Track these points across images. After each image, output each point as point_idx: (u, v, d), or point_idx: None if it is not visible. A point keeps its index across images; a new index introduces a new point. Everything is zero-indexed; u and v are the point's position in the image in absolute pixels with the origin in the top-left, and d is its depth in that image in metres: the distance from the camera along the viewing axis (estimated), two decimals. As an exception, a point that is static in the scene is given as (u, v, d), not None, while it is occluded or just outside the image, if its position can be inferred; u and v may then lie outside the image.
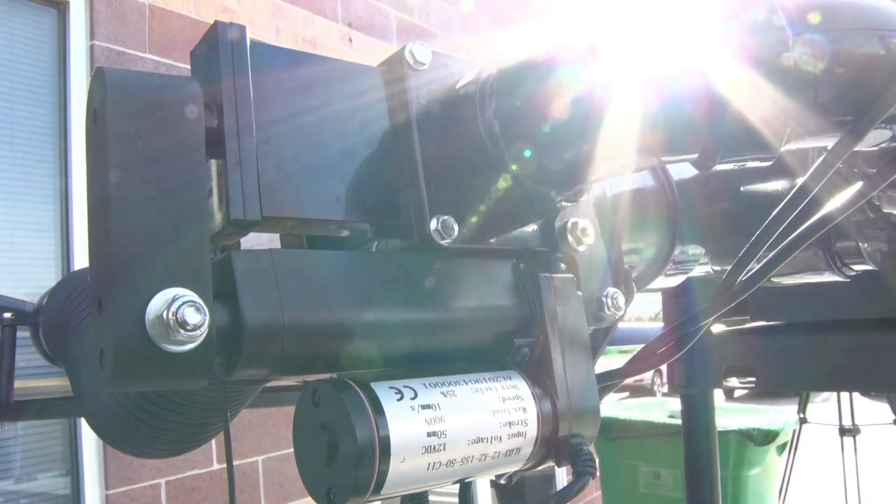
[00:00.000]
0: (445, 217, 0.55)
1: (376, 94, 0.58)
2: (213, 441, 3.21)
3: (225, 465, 3.19)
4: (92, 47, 3.04)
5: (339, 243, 0.61)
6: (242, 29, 0.51)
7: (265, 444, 3.41)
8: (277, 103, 0.53)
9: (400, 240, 0.58)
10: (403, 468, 0.49)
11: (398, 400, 0.50)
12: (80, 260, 2.97)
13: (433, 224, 0.55)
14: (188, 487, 3.15)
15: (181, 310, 0.43)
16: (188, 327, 0.43)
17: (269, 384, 0.74)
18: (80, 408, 0.91)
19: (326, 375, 0.52)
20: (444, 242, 0.55)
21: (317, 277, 0.51)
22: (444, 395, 0.52)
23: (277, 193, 0.51)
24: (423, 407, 0.51)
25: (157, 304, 0.43)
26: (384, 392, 0.50)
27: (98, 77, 0.46)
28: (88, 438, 2.91)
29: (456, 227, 0.56)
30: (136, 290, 0.43)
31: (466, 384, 0.54)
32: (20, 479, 2.90)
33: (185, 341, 0.43)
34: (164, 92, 0.46)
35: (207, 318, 0.44)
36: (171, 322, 0.42)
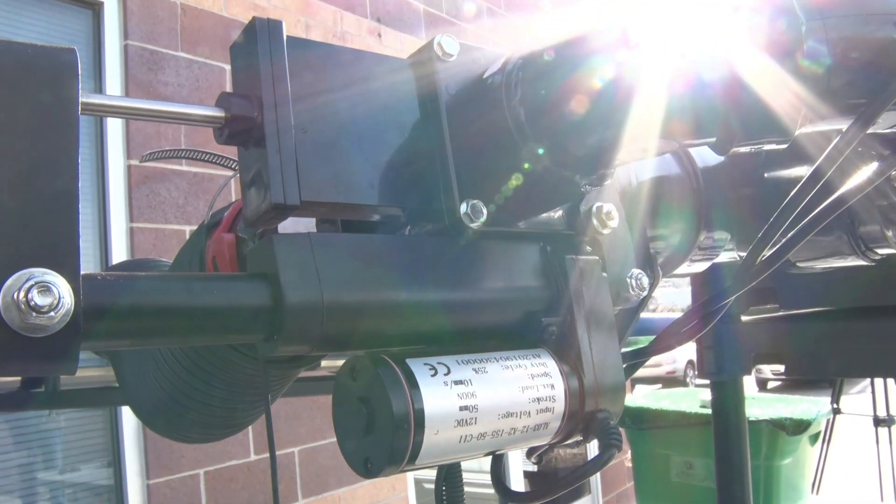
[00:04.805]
0: (474, 201, 0.58)
1: (407, 84, 0.60)
2: (251, 431, 3.26)
3: (263, 456, 3.24)
4: (126, 47, 3.10)
5: (372, 227, 0.64)
6: (279, 24, 0.53)
7: (301, 435, 3.45)
8: (313, 94, 0.55)
9: (431, 224, 0.60)
10: (437, 440, 0.51)
11: (432, 375, 0.53)
12: (118, 256, 3.02)
13: (463, 208, 0.57)
14: (226, 478, 3.20)
15: (32, 291, 0.40)
16: (42, 309, 0.40)
17: (303, 374, 0.77)
18: (124, 396, 0.94)
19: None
20: (474, 226, 0.57)
21: (353, 259, 0.54)
22: (476, 372, 0.55)
23: (315, 179, 0.53)
24: (456, 382, 0.53)
25: (11, 285, 0.40)
26: (419, 368, 0.52)
27: None
28: (129, 430, 2.97)
29: (485, 211, 0.58)
30: None
31: (497, 361, 0.56)
32: (64, 471, 2.97)
33: (44, 325, 0.40)
34: (34, 63, 0.44)
35: (65, 299, 0.41)
36: (23, 305, 0.40)
